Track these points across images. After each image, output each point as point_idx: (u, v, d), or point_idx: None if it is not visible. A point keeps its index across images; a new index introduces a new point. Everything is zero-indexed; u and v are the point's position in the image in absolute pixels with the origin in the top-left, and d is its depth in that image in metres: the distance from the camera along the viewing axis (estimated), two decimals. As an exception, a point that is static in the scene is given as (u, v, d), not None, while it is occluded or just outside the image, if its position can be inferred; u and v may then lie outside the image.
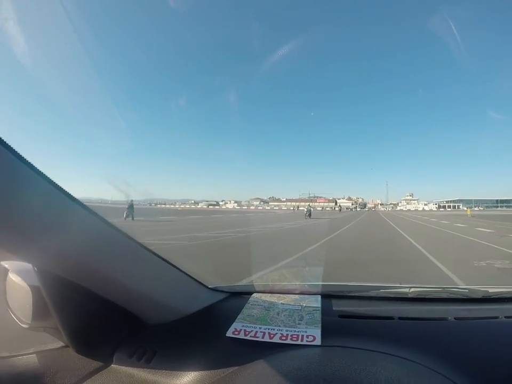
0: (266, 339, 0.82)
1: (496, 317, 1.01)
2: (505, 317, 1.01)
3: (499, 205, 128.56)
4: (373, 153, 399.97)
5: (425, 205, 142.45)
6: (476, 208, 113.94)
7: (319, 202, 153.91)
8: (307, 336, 0.83)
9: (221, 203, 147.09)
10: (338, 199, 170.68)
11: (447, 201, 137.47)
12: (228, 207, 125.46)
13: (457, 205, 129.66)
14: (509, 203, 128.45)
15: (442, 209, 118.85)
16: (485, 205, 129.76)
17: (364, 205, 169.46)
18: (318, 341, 0.81)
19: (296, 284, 1.23)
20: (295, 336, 0.83)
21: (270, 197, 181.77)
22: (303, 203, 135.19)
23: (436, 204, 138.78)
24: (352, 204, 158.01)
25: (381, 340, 0.84)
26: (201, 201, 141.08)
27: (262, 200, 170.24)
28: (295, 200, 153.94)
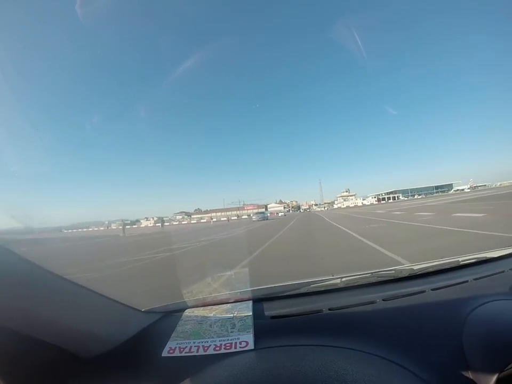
0: (201, 352, 0.83)
1: (423, 291, 1.07)
2: (431, 290, 1.08)
3: (434, 191, 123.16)
4: (303, 154, 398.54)
5: (364, 199, 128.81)
6: (418, 197, 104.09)
7: (247, 209, 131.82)
8: (240, 343, 0.84)
9: (142, 220, 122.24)
10: (269, 204, 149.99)
11: (386, 193, 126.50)
12: (140, 225, 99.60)
13: (397, 196, 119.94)
14: (443, 188, 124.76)
15: (384, 202, 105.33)
16: (425, 192, 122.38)
17: (298, 207, 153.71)
18: (250, 346, 0.82)
19: (227, 294, 1.23)
20: (229, 344, 0.84)
21: (195, 209, 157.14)
22: (229, 212, 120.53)
23: (374, 197, 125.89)
24: (284, 207, 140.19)
25: (311, 333, 0.87)
26: (116, 221, 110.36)
27: (186, 214, 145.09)
28: (220, 210, 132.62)
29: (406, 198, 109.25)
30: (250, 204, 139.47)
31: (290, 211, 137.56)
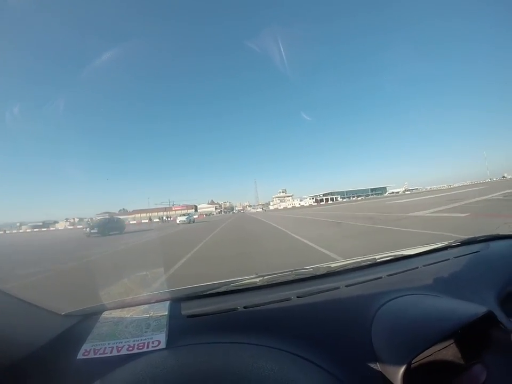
0: (115, 353, 0.83)
1: (337, 288, 1.10)
2: (345, 286, 1.11)
3: (370, 193, 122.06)
4: (238, 156, 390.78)
5: (301, 200, 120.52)
6: (359, 198, 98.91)
7: (176, 210, 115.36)
8: (152, 342, 0.85)
9: (61, 222, 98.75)
10: (200, 204, 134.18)
11: (323, 195, 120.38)
12: (50, 229, 75.69)
13: (335, 197, 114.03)
14: (378, 191, 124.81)
15: (323, 203, 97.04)
16: (361, 194, 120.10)
17: (231, 209, 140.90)
18: (162, 345, 0.83)
19: (146, 295, 1.22)
20: (141, 344, 0.85)
21: (120, 210, 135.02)
22: (156, 213, 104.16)
23: (312, 198, 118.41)
24: (216, 208, 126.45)
25: (225, 331, 0.89)
26: (27, 223, 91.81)
27: (109, 214, 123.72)
28: (146, 211, 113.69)
29: (344, 200, 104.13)
30: (179, 205, 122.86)
31: (223, 212, 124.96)
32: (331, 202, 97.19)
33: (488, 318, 0.84)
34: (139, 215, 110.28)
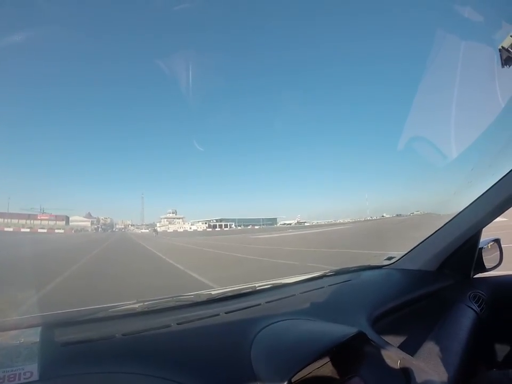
0: None
1: (217, 314, 1.13)
2: (225, 313, 1.14)
3: (262, 223, 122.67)
4: (125, 165, 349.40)
5: (193, 224, 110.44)
6: (257, 227, 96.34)
7: (42, 219, 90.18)
8: (24, 373, 0.76)
9: None
10: (73, 216, 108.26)
11: (216, 220, 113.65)
12: None
13: (230, 224, 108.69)
14: (269, 221, 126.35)
15: (219, 229, 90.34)
16: (257, 223, 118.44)
17: (112, 226, 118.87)
18: (35, 376, 0.76)
19: (15, 319, 1.12)
20: (12, 375, 0.76)
21: None
22: (17, 220, 79.18)
23: (206, 223, 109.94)
24: (92, 223, 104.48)
25: (103, 360, 0.85)
26: None
27: None
28: (3, 215, 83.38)
29: (239, 228, 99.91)
30: (48, 214, 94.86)
31: (100, 229, 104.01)
32: (227, 229, 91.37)
33: (360, 337, 0.94)
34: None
